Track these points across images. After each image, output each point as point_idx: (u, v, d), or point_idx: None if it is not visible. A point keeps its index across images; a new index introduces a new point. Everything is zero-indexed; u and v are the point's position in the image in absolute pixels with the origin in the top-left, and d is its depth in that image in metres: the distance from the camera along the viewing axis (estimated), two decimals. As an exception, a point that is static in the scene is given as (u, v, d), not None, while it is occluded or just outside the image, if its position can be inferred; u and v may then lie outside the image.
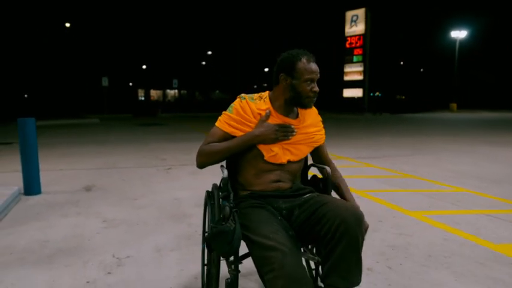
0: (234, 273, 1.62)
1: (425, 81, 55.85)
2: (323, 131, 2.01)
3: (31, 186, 4.53)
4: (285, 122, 1.87)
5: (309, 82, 1.81)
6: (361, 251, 1.57)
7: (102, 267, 2.58)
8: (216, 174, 5.82)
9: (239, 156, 1.88)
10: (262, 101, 1.92)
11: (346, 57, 32.37)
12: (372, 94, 34.05)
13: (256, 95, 1.95)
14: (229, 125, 1.87)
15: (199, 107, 35.14)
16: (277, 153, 1.84)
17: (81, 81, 37.64)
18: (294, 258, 1.45)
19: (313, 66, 1.83)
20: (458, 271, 2.51)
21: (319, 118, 2.02)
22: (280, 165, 1.85)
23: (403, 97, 59.44)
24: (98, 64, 38.21)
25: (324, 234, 1.61)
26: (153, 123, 18.18)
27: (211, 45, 49.98)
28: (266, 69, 55.30)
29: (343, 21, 32.44)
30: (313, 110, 2.02)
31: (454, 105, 35.53)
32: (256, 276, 2.36)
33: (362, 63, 31.01)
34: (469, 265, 2.59)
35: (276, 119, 1.87)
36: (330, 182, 1.93)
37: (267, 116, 1.86)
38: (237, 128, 1.86)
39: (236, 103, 1.90)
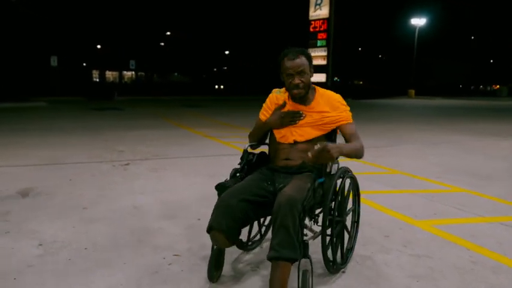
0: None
1: (384, 67, 56.84)
2: (342, 114, 2.29)
3: None
4: (295, 109, 2.30)
5: (288, 77, 2.21)
6: (291, 228, 1.83)
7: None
8: (184, 170, 5.07)
9: (269, 138, 2.45)
10: (285, 92, 2.38)
11: (310, 41, 31.83)
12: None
13: (284, 88, 2.38)
14: (262, 113, 2.46)
15: (158, 90, 33.43)
16: (284, 134, 2.29)
17: (27, 60, 34.65)
18: (220, 212, 1.96)
19: (289, 63, 2.20)
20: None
21: (338, 103, 2.31)
22: (290, 144, 2.27)
23: (361, 82, 60.30)
24: (46, 42, 35.34)
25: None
26: (108, 108, 16.80)
27: (170, 25, 47.89)
28: (227, 52, 53.83)
29: (307, 4, 31.80)
30: (332, 96, 2.34)
31: (412, 92, 36.21)
32: None
33: (326, 48, 30.62)
34: (521, 306, 2.06)
35: (289, 106, 2.34)
36: (324, 170, 2.12)
37: (282, 106, 2.35)
38: (265, 116, 2.42)
39: (269, 96, 2.46)
